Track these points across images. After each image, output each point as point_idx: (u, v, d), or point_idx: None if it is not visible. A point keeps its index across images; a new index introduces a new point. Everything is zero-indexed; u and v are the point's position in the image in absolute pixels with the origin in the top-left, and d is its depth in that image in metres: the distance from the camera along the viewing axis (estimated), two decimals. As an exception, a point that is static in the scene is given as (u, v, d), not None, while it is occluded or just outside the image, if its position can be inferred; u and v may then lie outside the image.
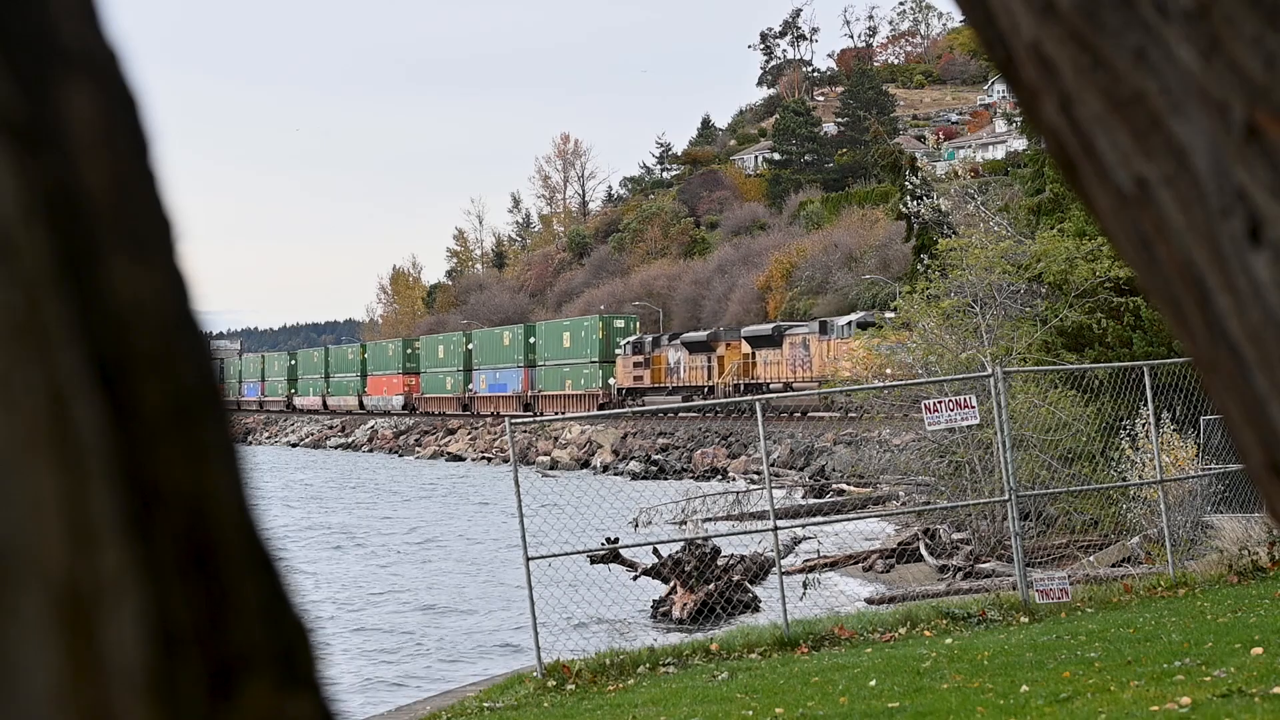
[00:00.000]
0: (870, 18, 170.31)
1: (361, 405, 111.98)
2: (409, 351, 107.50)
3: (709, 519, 28.89)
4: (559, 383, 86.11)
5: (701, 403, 26.09)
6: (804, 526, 24.20)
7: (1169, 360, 18.04)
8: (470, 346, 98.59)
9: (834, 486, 39.90)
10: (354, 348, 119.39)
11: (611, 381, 79.70)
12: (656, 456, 58.08)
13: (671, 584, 21.07)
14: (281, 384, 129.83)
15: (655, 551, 20.83)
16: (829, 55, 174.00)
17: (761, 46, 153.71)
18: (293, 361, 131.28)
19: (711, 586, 20.24)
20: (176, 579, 0.82)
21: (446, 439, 79.67)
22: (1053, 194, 28.93)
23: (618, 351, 79.95)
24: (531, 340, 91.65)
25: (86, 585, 0.78)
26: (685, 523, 27.33)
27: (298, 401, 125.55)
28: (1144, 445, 19.28)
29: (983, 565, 21.70)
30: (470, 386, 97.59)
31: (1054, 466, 21.05)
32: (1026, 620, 13.88)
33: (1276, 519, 1.23)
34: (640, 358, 76.21)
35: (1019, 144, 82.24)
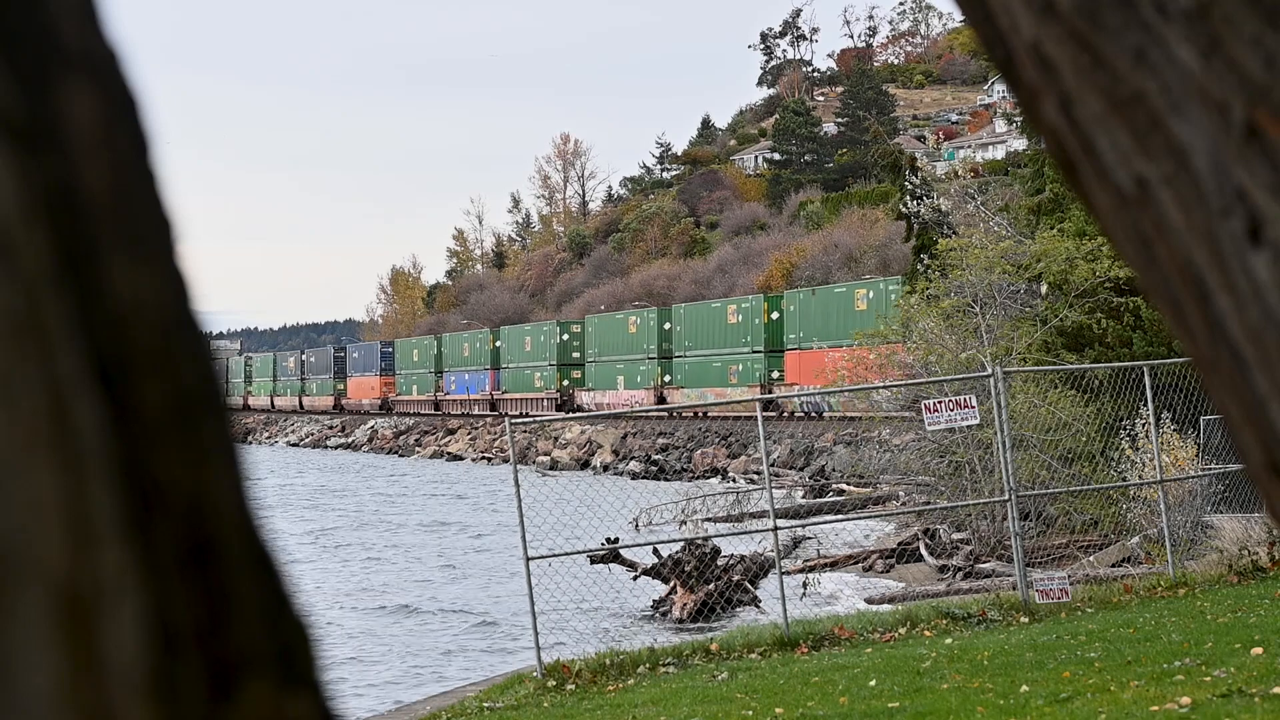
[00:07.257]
0: (870, 18, 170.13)
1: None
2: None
3: (709, 519, 28.91)
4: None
5: (700, 403, 26.11)
6: (804, 526, 24.22)
7: (1169, 360, 18.04)
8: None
9: (834, 486, 39.88)
10: (697, 308, 68.46)
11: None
12: (656, 456, 57.96)
13: (671, 584, 21.08)
14: (546, 373, 79.25)
15: (655, 551, 20.84)
16: (829, 55, 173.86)
17: (761, 47, 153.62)
18: (566, 335, 78.59)
19: (711, 586, 20.24)
20: (176, 579, 0.82)
21: (446, 439, 79.62)
22: (1053, 194, 28.92)
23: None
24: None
25: (86, 585, 0.78)
26: (685, 523, 27.36)
27: (586, 398, 74.75)
28: (1144, 445, 19.29)
29: (983, 565, 21.70)
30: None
31: (1054, 466, 21.05)
32: (1026, 620, 13.88)
33: (1276, 519, 1.23)
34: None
35: (1019, 144, 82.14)
